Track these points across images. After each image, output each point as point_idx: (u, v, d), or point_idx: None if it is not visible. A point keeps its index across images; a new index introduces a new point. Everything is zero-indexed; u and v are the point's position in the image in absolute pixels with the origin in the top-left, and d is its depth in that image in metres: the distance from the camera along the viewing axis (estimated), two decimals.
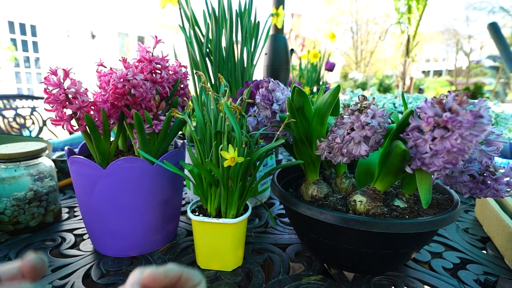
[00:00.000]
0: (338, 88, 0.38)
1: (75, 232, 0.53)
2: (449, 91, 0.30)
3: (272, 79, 0.45)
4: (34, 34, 6.77)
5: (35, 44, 6.84)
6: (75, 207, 0.64)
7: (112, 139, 0.46)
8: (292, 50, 0.92)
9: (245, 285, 0.40)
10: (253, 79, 0.71)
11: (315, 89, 1.27)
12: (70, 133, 0.43)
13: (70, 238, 0.51)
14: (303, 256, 0.47)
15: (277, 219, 0.60)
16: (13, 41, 6.38)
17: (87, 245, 0.49)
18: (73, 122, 0.42)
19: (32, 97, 1.48)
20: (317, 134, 0.41)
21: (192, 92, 0.60)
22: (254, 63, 0.70)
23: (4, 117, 1.34)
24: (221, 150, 0.38)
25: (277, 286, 0.39)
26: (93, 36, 7.63)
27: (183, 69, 0.52)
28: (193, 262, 0.45)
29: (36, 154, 0.53)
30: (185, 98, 0.49)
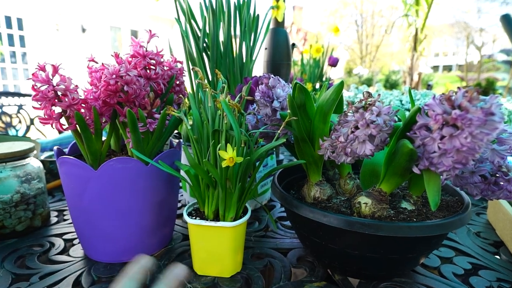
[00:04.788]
0: (341, 85, 0.39)
1: (65, 236, 0.53)
2: (458, 87, 0.30)
3: (273, 75, 0.45)
4: (20, 27, 6.76)
5: (21, 38, 6.83)
6: (65, 210, 0.64)
7: (104, 138, 0.46)
8: (293, 44, 0.92)
9: None
10: (253, 75, 0.71)
11: (317, 86, 1.27)
12: (60, 132, 0.44)
13: (59, 243, 0.51)
14: (305, 261, 0.47)
15: (278, 222, 0.60)
16: None
17: (77, 251, 0.49)
18: (63, 120, 0.42)
19: (19, 94, 1.48)
20: (319, 133, 0.41)
21: (189, 89, 0.60)
22: (254, 58, 0.70)
23: None
24: (219, 149, 0.38)
25: None
26: (83, 30, 7.62)
27: (179, 65, 0.52)
28: (189, 268, 0.45)
29: (23, 155, 0.53)
30: (181, 95, 0.49)
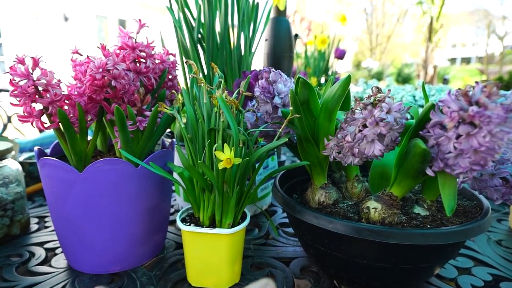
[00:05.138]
0: (348, 79, 0.39)
1: (46, 245, 0.54)
2: (476, 82, 0.30)
3: (274, 69, 0.45)
4: None
5: None
6: (46, 216, 0.65)
7: (89, 138, 0.46)
8: (296, 35, 0.92)
9: None
10: (252, 69, 0.72)
11: (322, 80, 1.28)
12: (41, 131, 0.44)
13: (40, 252, 0.51)
14: (309, 272, 0.47)
15: (280, 229, 0.61)
16: None
17: (60, 261, 0.49)
18: (44, 118, 0.43)
19: None
20: (324, 132, 0.42)
21: (182, 84, 0.60)
22: (253, 50, 0.71)
23: None
24: (215, 150, 0.38)
25: None
26: (66, 19, 7.62)
27: (172, 58, 0.52)
28: (183, 279, 0.45)
29: (0, 156, 0.53)
30: (173, 91, 0.49)
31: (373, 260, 0.38)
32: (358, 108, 0.36)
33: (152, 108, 0.45)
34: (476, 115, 0.28)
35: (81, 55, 0.46)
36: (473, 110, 0.29)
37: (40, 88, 0.40)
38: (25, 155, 0.84)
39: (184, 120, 0.63)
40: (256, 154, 0.40)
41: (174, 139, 0.53)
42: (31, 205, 0.70)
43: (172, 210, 0.69)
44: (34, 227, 0.60)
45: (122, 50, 0.45)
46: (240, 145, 0.40)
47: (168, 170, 0.49)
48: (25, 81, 0.39)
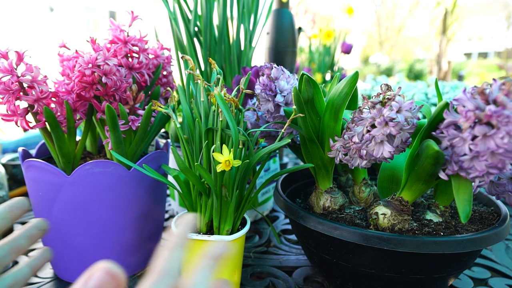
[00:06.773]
0: (356, 76, 0.39)
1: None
2: (494, 79, 0.30)
3: (276, 65, 0.45)
4: None
5: None
6: None
7: (78, 138, 0.47)
8: (300, 28, 0.92)
9: None
10: (252, 64, 0.72)
11: (328, 77, 1.28)
12: (25, 130, 0.44)
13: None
14: (313, 282, 0.47)
15: (282, 236, 0.61)
16: None
17: (46, 270, 0.49)
18: (29, 117, 0.43)
19: None
20: (330, 132, 0.42)
21: (178, 81, 0.60)
22: (254, 45, 0.71)
23: None
24: (213, 151, 0.38)
25: None
26: (51, 10, 7.63)
27: (166, 52, 0.52)
28: None
29: None
30: (168, 88, 0.49)
31: (382, 269, 0.38)
32: (366, 107, 0.36)
33: (146, 107, 0.45)
34: (493, 115, 0.29)
35: (68, 49, 0.46)
36: (490, 109, 0.29)
37: (25, 85, 0.41)
38: (8, 157, 0.84)
39: (180, 120, 0.63)
40: (257, 156, 0.40)
41: (169, 140, 0.53)
42: None
43: (166, 215, 0.69)
44: None
45: (113, 44, 0.45)
46: (240, 146, 0.40)
47: (163, 173, 0.49)
48: (9, 77, 0.39)
